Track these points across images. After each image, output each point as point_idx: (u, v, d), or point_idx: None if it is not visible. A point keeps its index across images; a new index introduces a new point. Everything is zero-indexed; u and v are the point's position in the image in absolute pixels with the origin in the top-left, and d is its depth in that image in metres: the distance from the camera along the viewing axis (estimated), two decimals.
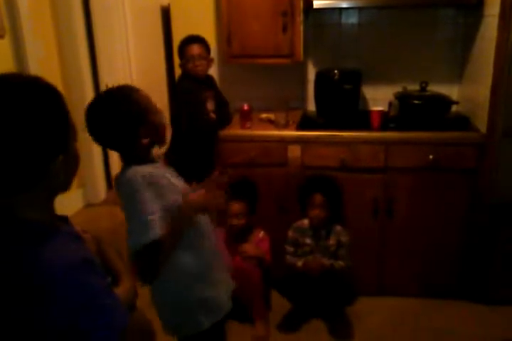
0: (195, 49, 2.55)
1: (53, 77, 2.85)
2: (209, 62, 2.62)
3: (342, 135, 2.53)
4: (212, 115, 2.65)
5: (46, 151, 0.88)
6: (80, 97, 2.90)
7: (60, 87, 2.85)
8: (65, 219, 1.01)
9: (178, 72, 2.96)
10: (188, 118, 2.56)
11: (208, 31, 2.94)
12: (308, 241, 2.45)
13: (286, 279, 2.45)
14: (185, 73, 2.60)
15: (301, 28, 2.67)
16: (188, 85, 2.58)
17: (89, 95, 3.06)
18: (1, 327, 0.83)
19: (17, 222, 0.88)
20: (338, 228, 2.45)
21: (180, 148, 2.68)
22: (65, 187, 0.97)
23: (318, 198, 2.40)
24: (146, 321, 1.02)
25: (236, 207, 2.43)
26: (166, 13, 3.73)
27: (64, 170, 0.93)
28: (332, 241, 2.42)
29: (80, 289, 0.85)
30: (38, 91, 0.90)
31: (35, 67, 2.61)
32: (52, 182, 0.92)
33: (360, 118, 2.66)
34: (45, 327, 0.83)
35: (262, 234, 2.52)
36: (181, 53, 2.59)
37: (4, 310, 0.83)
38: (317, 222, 2.42)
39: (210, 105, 2.67)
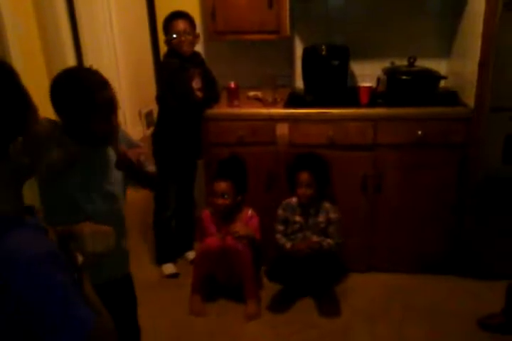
0: (181, 24, 2.49)
1: (35, 58, 2.78)
2: (195, 37, 2.56)
3: (330, 112, 2.51)
4: (199, 93, 2.60)
5: (2, 132, 0.82)
6: None
7: (42, 66, 2.75)
8: (30, 209, 0.93)
9: (163, 48, 2.90)
10: (174, 96, 2.51)
11: (193, 7, 2.87)
12: (297, 218, 2.46)
13: (275, 264, 2.46)
14: (171, 50, 2.55)
15: (287, 2, 2.62)
16: (173, 63, 2.53)
17: None
18: None
19: None
20: (327, 205, 2.45)
21: (166, 127, 2.64)
22: (30, 172, 0.91)
23: (304, 176, 2.39)
24: (111, 327, 0.90)
25: (222, 186, 2.42)
26: None
27: (26, 153, 0.86)
28: (321, 218, 2.43)
29: (43, 281, 0.80)
30: None
31: (15, 47, 2.53)
32: (14, 167, 0.85)
33: (349, 95, 2.63)
34: (2, 321, 0.79)
35: (250, 212, 2.52)
36: (166, 29, 2.53)
37: None
38: (305, 199, 2.42)
39: (197, 83, 2.62)
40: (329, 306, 2.45)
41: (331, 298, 2.50)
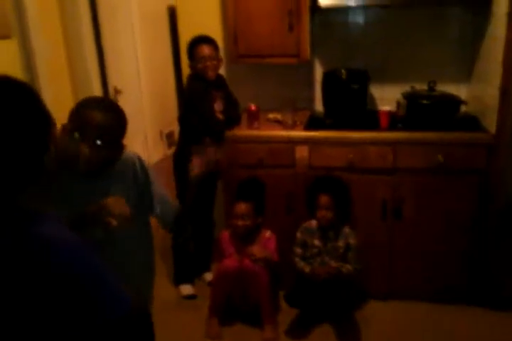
0: (205, 50, 2.53)
1: (61, 78, 2.85)
2: (219, 62, 2.61)
3: (350, 135, 2.52)
4: (220, 115, 2.64)
5: (33, 148, 0.89)
6: None
7: (68, 88, 2.81)
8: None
9: (185, 72, 2.97)
10: (197, 118, 2.56)
11: (215, 31, 2.93)
12: (316, 242, 2.44)
13: (294, 288, 2.43)
14: (195, 74, 2.60)
15: (308, 27, 2.66)
16: (197, 86, 2.58)
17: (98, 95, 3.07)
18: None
19: (18, 209, 0.90)
20: (347, 230, 2.44)
21: (187, 148, 2.68)
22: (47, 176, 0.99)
23: (324, 199, 2.39)
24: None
25: (242, 207, 2.42)
26: (172, 13, 3.73)
27: (49, 164, 0.94)
28: (341, 243, 2.41)
29: (87, 261, 0.88)
30: (12, 91, 0.88)
31: (42, 69, 2.61)
32: (39, 178, 0.94)
33: (368, 119, 2.64)
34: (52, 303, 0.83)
35: (268, 233, 2.51)
36: (191, 54, 2.58)
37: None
38: (324, 222, 2.41)
39: (219, 105, 2.66)
40: (349, 332, 2.41)
41: (350, 324, 2.46)
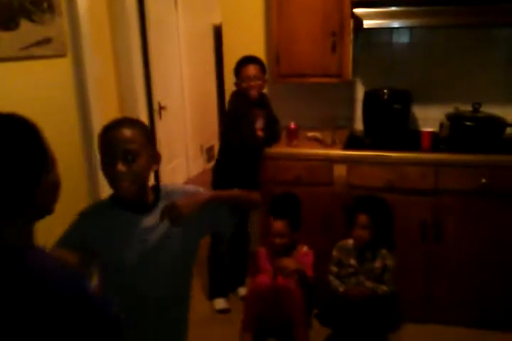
0: (252, 70, 2.60)
1: (109, 94, 2.98)
2: (263, 82, 2.66)
3: (390, 155, 2.49)
4: (260, 133, 2.68)
5: (18, 188, 0.91)
6: (134, 116, 3.01)
7: (114, 106, 2.94)
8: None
9: (228, 89, 3.03)
10: (238, 136, 2.60)
11: (258, 50, 2.99)
12: (352, 262, 2.41)
13: (327, 307, 2.41)
14: (239, 91, 2.66)
15: (351, 48, 2.68)
16: (240, 103, 2.64)
17: (143, 113, 3.18)
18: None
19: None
20: (384, 251, 2.40)
21: (226, 163, 2.72)
22: (45, 213, 1.00)
23: (362, 218, 2.36)
24: None
25: (279, 225, 2.43)
26: (218, 32, 3.83)
27: (41, 200, 0.95)
28: (378, 264, 2.37)
29: (79, 291, 0.92)
30: (10, 127, 0.93)
31: (92, 85, 2.73)
32: (29, 211, 0.95)
33: (410, 139, 2.62)
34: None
35: (305, 248, 2.50)
36: (237, 72, 2.64)
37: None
38: (359, 242, 2.37)
39: (259, 123, 2.71)
40: None
41: None
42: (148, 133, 1.42)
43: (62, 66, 2.54)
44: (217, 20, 3.90)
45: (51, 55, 2.42)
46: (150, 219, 1.41)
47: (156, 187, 1.47)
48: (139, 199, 1.40)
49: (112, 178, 1.34)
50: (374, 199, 2.40)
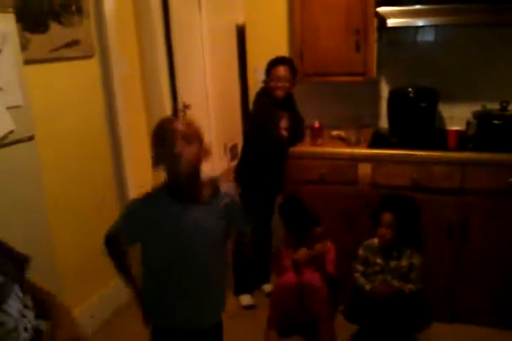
0: (282, 71, 2.61)
1: (135, 94, 3.02)
2: (291, 85, 2.67)
3: (415, 154, 2.47)
4: (284, 132, 2.69)
5: None
6: (159, 115, 3.05)
7: (140, 105, 2.99)
8: None
9: (252, 87, 3.05)
10: (262, 136, 2.61)
11: (281, 49, 3.00)
12: (378, 260, 2.40)
13: (353, 304, 2.40)
14: (265, 90, 2.67)
15: (375, 46, 2.67)
16: (265, 102, 2.65)
17: (168, 112, 3.21)
18: None
19: None
20: (410, 251, 2.38)
21: (249, 162, 2.74)
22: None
23: (387, 217, 2.34)
24: None
25: (300, 247, 2.44)
26: (240, 32, 3.84)
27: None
28: (404, 263, 2.35)
29: None
30: None
31: (118, 85, 2.77)
32: None
33: (436, 138, 2.59)
34: None
35: (328, 244, 2.50)
36: (268, 72, 2.66)
37: None
38: (384, 241, 2.36)
39: (284, 123, 2.72)
40: None
41: None
42: (199, 131, 1.59)
43: (90, 67, 2.59)
44: (240, 20, 3.91)
45: (80, 56, 2.47)
46: (201, 210, 1.60)
47: (216, 185, 1.66)
48: (192, 187, 1.58)
49: (172, 159, 1.51)
50: (400, 198, 2.38)
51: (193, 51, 3.67)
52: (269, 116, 2.62)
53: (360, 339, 2.46)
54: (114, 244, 1.64)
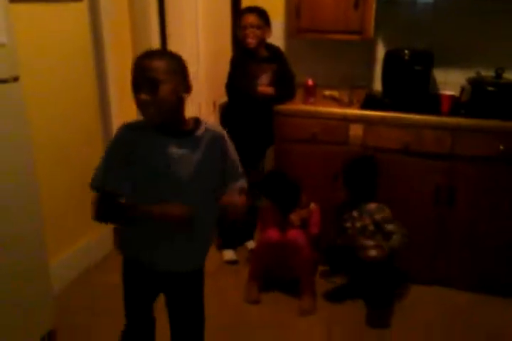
0: (250, 18, 2.57)
1: (124, 42, 2.89)
2: (263, 32, 2.60)
3: (408, 117, 2.46)
4: (265, 88, 2.63)
5: None
6: None
7: (129, 51, 2.88)
8: None
9: None
10: (236, 88, 2.58)
11: (277, 3, 2.90)
12: (348, 224, 2.45)
13: (336, 249, 2.46)
14: (238, 43, 2.63)
15: (374, 4, 2.59)
16: (237, 56, 2.62)
17: None
18: None
19: None
20: (372, 206, 2.40)
21: (232, 114, 2.71)
22: None
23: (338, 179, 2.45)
24: None
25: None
26: None
27: None
28: (367, 221, 2.39)
29: None
30: None
31: (107, 31, 2.66)
32: None
33: (429, 102, 2.57)
34: None
35: (312, 206, 2.53)
36: (238, 23, 2.63)
37: None
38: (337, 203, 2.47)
39: (266, 78, 2.66)
40: (383, 315, 2.37)
41: (389, 305, 2.42)
42: (179, 64, 1.42)
43: (79, 11, 2.47)
44: None
45: None
46: (186, 144, 1.45)
47: (197, 119, 1.52)
48: (173, 126, 1.45)
49: (139, 107, 1.39)
50: (355, 160, 2.43)
51: (185, 4, 3.53)
52: (238, 69, 2.59)
53: (339, 295, 2.52)
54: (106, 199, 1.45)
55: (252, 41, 2.57)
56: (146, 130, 1.44)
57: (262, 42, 2.63)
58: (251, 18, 2.56)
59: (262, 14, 2.60)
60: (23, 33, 2.00)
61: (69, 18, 2.41)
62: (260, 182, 2.56)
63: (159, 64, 1.36)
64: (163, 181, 1.45)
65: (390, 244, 2.30)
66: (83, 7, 2.50)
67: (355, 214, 2.42)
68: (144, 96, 1.35)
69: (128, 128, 1.46)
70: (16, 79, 1.82)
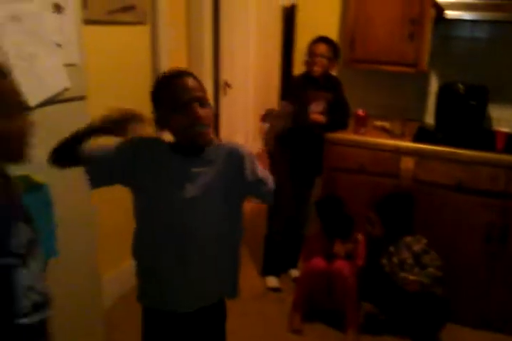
0: (321, 48, 2.59)
1: (179, 66, 2.98)
2: (331, 63, 2.62)
3: (462, 153, 2.41)
4: (317, 116, 2.63)
5: None
6: None
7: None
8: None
9: (296, 71, 2.99)
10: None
11: (332, 33, 2.94)
12: (384, 260, 2.40)
13: (376, 285, 2.41)
14: (305, 71, 2.65)
15: (429, 37, 2.60)
16: (295, 80, 2.64)
17: (209, 88, 3.18)
18: None
19: None
20: (408, 239, 2.36)
21: (283, 142, 2.71)
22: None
23: (371, 214, 2.44)
24: None
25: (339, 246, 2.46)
26: (287, 14, 3.79)
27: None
28: (405, 255, 2.34)
29: None
30: None
31: (165, 55, 2.73)
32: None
33: (483, 138, 2.53)
34: None
35: (359, 237, 2.49)
36: (308, 50, 2.64)
37: None
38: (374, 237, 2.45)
39: (318, 106, 2.66)
40: None
41: None
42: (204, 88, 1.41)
43: (142, 33, 2.57)
44: (286, 2, 3.85)
45: (134, 21, 2.45)
46: (199, 163, 1.40)
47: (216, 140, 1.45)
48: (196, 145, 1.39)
49: (189, 124, 1.32)
50: (390, 196, 2.42)
51: (238, 30, 3.63)
52: (294, 94, 2.60)
53: (380, 329, 2.44)
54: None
55: (318, 69, 2.59)
56: (159, 144, 1.41)
57: (326, 73, 2.65)
58: (323, 48, 2.58)
59: (334, 47, 2.63)
60: (91, 53, 2.09)
61: (133, 40, 2.51)
62: (317, 204, 2.55)
63: (200, 84, 1.36)
64: (170, 200, 1.38)
65: (421, 280, 2.26)
66: (146, 30, 2.60)
67: (391, 249, 2.37)
68: (201, 111, 1.31)
69: (142, 139, 1.43)
70: (82, 98, 1.89)
